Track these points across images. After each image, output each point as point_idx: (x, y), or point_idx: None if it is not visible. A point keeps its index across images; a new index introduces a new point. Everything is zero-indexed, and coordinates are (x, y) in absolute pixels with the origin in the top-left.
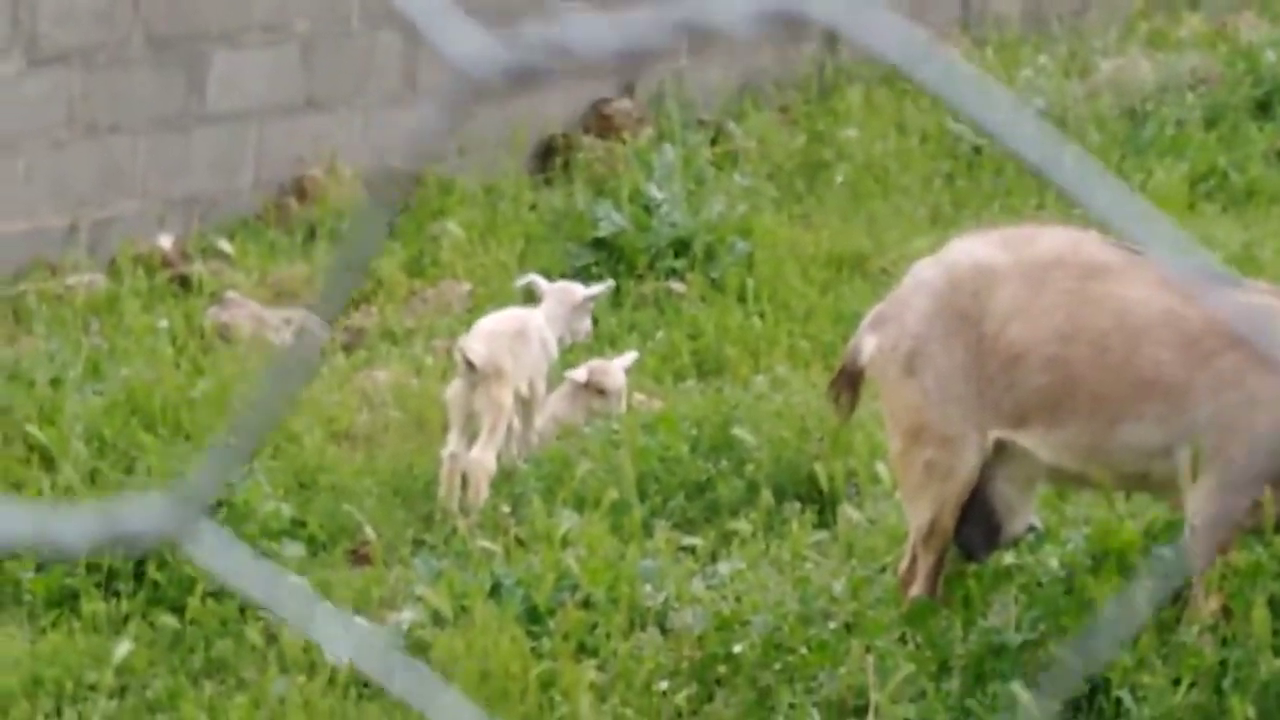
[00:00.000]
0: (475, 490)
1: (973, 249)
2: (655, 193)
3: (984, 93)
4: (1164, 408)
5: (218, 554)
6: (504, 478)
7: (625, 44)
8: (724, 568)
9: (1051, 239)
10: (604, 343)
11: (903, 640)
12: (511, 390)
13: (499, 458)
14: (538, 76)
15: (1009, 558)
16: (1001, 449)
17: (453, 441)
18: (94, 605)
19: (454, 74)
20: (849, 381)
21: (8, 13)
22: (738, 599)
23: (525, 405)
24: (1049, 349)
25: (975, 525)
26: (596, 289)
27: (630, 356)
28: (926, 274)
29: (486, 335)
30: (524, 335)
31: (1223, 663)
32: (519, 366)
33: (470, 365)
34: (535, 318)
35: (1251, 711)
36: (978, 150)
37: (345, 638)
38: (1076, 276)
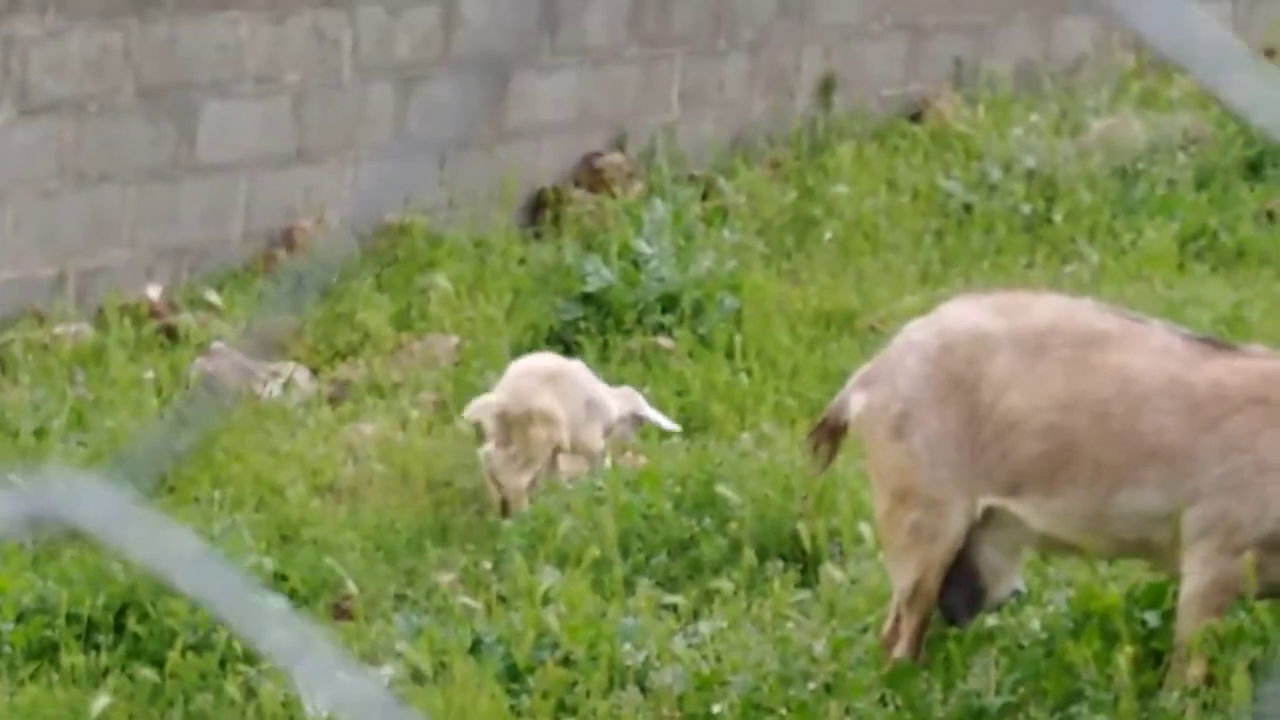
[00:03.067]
0: (513, 508)
1: (966, 314)
2: (644, 248)
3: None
4: (1167, 473)
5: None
6: (487, 534)
7: None
8: (705, 627)
9: (1045, 306)
10: None
11: (883, 702)
12: (550, 429)
13: (535, 483)
14: None
15: (990, 620)
16: (990, 515)
17: (500, 473)
18: (73, 658)
19: None
20: (829, 435)
21: None
22: (718, 658)
23: (575, 453)
24: (1047, 417)
25: (959, 589)
26: (661, 420)
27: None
28: (918, 336)
29: (512, 379)
30: (565, 379)
31: None
32: (562, 408)
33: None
34: (582, 372)
35: None
36: (968, 208)
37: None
38: (1074, 345)
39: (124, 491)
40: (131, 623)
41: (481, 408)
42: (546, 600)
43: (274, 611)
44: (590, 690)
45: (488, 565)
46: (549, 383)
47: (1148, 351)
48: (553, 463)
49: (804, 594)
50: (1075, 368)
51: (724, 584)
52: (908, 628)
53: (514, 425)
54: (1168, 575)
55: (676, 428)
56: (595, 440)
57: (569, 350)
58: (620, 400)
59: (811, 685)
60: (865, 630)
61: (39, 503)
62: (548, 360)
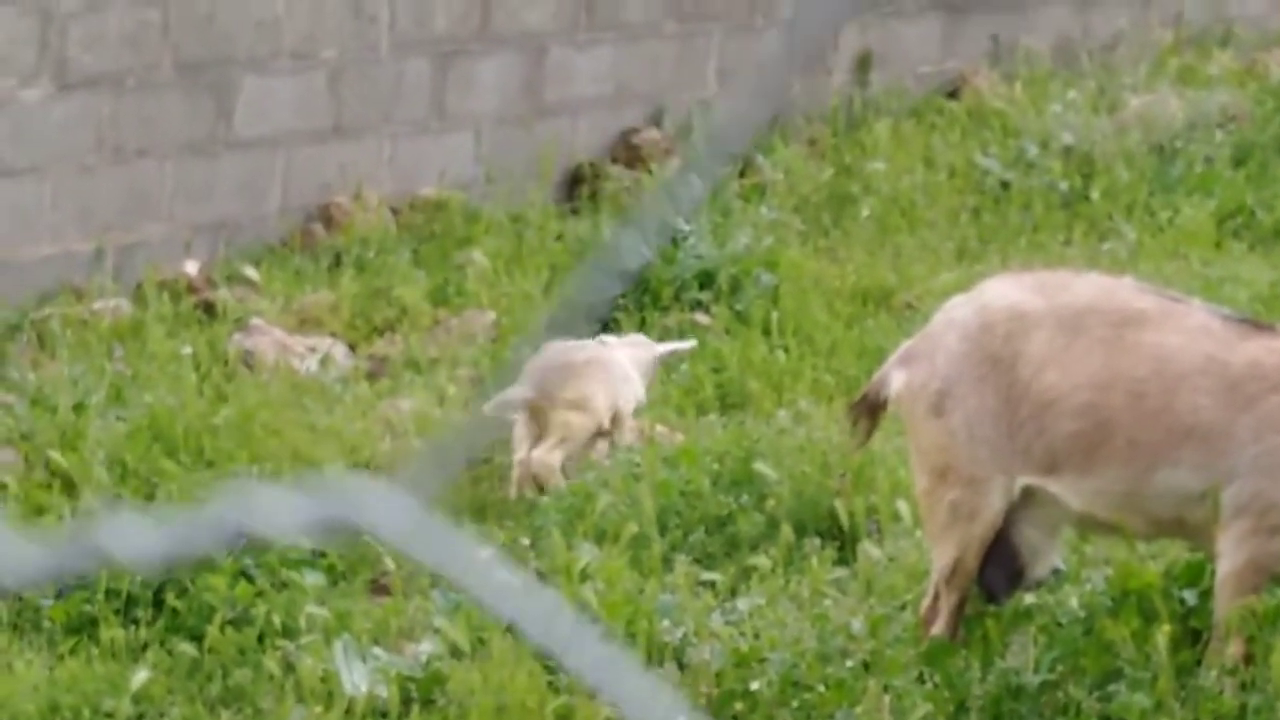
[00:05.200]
0: (547, 486)
1: (1006, 292)
2: (682, 224)
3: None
4: (1203, 452)
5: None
6: (525, 510)
7: (171, 550)
8: (743, 603)
9: (1086, 285)
10: None
11: (920, 680)
12: (579, 412)
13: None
14: (74, 574)
15: (1029, 598)
16: (1029, 494)
17: (521, 450)
18: (112, 632)
19: None
20: (869, 411)
21: (37, 37)
22: (756, 635)
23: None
24: (1084, 396)
25: (999, 567)
26: (677, 346)
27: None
28: (958, 314)
29: (534, 371)
30: (600, 365)
31: (1242, 707)
32: (604, 394)
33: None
34: (616, 353)
35: None
36: (1005, 185)
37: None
38: (1112, 324)
39: (411, 496)
40: (170, 598)
41: (504, 404)
42: (584, 577)
43: (585, 629)
44: None
45: (525, 541)
46: (580, 371)
47: (1185, 331)
48: (589, 443)
49: (842, 571)
50: (1112, 347)
51: (762, 561)
52: (946, 605)
53: (543, 414)
54: (1206, 555)
55: (691, 343)
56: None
57: (606, 327)
58: (636, 348)
59: (849, 663)
60: (903, 608)
61: (333, 508)
62: (577, 349)
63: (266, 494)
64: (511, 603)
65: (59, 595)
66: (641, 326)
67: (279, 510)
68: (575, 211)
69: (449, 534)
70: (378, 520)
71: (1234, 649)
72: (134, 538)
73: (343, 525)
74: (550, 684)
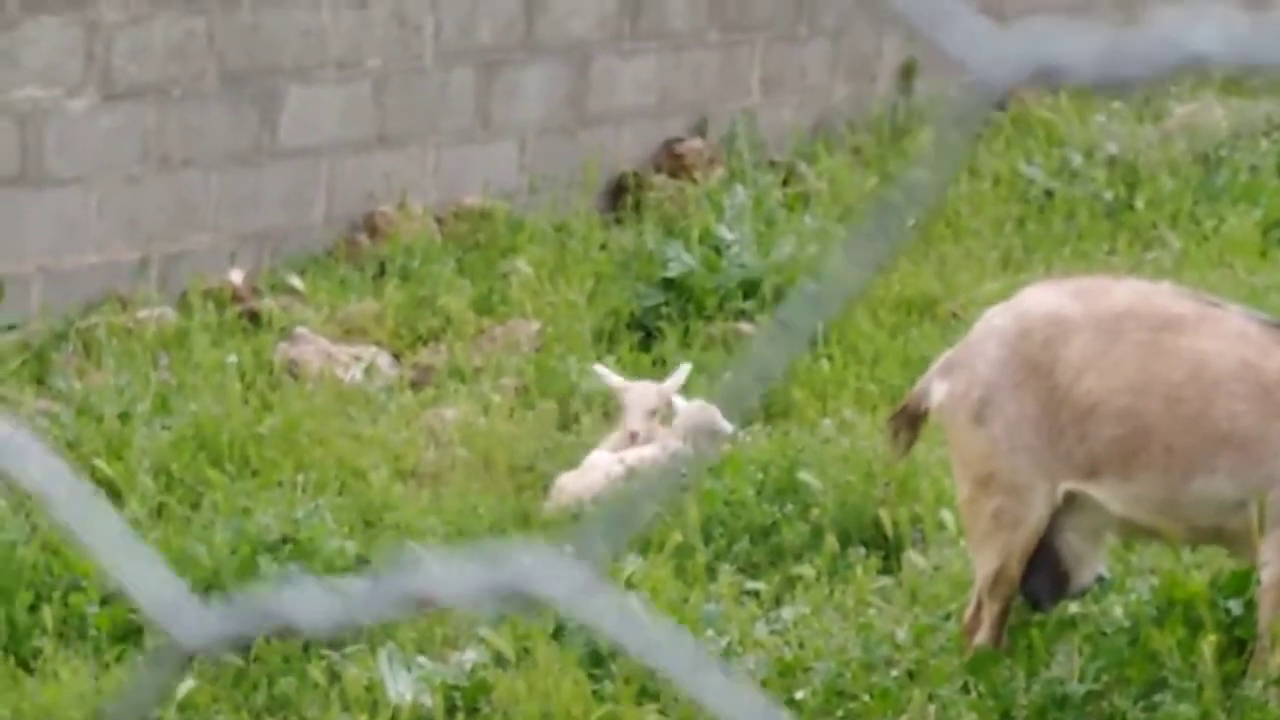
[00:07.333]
0: None
1: (1045, 299)
2: (725, 233)
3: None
4: (1239, 460)
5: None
6: (569, 518)
7: (347, 616)
8: (787, 613)
9: (1124, 290)
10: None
11: (965, 689)
12: None
13: None
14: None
15: (1073, 607)
16: (1071, 500)
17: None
18: (158, 641)
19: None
20: (910, 421)
21: (83, 47)
22: (800, 645)
23: None
24: (1122, 401)
25: (1042, 575)
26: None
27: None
28: (998, 322)
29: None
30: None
31: None
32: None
33: None
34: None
35: None
36: (1049, 194)
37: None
38: (1150, 328)
39: (583, 562)
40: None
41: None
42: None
43: (724, 683)
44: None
45: (570, 550)
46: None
47: (1222, 336)
48: None
49: (886, 580)
50: (1150, 351)
51: (806, 570)
52: (990, 614)
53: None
54: (1248, 562)
55: (735, 429)
56: None
57: (650, 336)
58: (696, 413)
59: (894, 672)
60: (948, 617)
61: (505, 575)
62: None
63: (439, 561)
64: (682, 667)
65: (104, 602)
66: (685, 335)
67: (452, 577)
68: (619, 221)
69: (620, 601)
70: (548, 586)
71: (1279, 659)
72: (311, 604)
73: (515, 592)
74: (595, 693)
